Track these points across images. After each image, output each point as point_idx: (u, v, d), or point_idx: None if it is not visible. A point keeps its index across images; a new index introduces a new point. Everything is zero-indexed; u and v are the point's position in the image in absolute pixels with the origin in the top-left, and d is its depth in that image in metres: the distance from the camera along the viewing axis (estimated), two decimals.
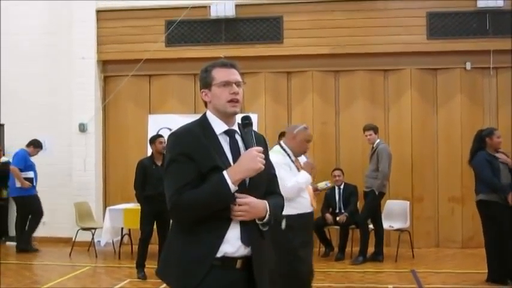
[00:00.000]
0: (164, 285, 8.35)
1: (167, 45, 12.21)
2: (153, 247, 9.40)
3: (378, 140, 10.41)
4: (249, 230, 3.21)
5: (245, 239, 3.20)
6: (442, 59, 11.72)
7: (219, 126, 3.29)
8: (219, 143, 3.25)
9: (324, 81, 12.01)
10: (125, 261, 10.48)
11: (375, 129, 10.44)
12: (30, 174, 11.59)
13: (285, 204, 3.53)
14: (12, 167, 11.57)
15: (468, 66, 11.70)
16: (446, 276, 9.21)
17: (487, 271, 8.49)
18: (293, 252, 5.94)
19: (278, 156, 6.03)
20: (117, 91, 12.35)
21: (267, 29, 11.93)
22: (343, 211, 10.78)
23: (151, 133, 11.22)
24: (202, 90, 3.36)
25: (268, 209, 3.24)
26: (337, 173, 11.03)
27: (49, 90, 12.67)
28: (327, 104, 11.98)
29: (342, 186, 10.95)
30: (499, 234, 8.30)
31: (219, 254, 3.15)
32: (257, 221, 3.23)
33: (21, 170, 11.50)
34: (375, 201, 10.26)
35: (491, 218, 8.38)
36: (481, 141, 8.57)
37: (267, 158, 3.32)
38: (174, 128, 11.79)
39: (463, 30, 11.58)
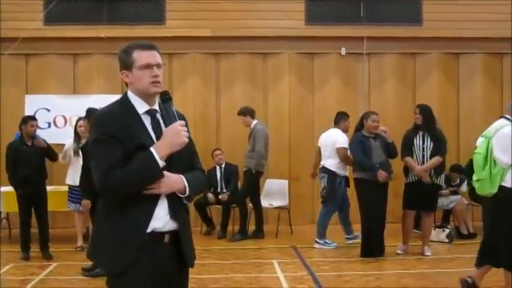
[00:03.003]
0: (52, 267, 8.35)
1: (45, 24, 11.93)
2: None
3: (256, 122, 10.72)
4: (176, 205, 3.32)
5: (172, 214, 3.29)
6: (319, 44, 12.20)
7: (141, 106, 3.33)
8: (143, 122, 3.31)
9: (205, 63, 12.19)
10: (5, 245, 10.18)
11: (245, 113, 10.75)
12: None
13: None
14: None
15: (343, 51, 12.26)
16: (325, 251, 9.68)
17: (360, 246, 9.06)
18: None
19: None
20: None
21: (149, 10, 11.95)
22: (224, 190, 11.05)
23: (28, 114, 10.99)
24: (122, 72, 3.35)
25: (186, 183, 3.31)
26: (217, 152, 11.26)
27: None
28: (208, 86, 12.16)
29: (223, 166, 11.19)
30: (371, 210, 8.85)
31: (148, 229, 3.22)
32: (179, 195, 3.31)
33: None
34: (252, 180, 10.56)
35: (363, 194, 8.97)
36: (361, 123, 9.16)
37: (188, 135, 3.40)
38: (53, 108, 11.52)
39: (339, 17, 12.11)
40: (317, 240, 9.94)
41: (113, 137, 3.17)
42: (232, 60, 12.23)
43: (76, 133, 9.74)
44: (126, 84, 3.38)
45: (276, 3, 12.01)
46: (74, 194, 9.77)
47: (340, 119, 10.21)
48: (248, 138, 10.72)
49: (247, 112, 10.75)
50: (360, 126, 9.20)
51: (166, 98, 3.37)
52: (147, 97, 3.33)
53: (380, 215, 8.92)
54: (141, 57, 3.30)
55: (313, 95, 12.31)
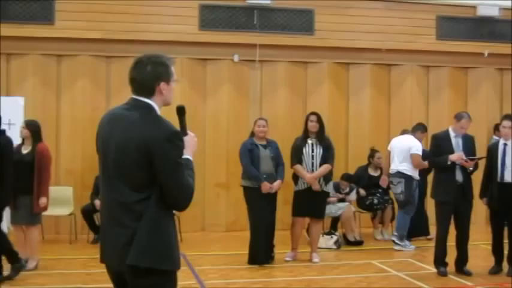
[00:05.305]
0: None
1: None
2: None
3: None
4: None
5: None
6: (212, 50, 12.15)
7: None
8: None
9: (96, 66, 11.87)
10: None
11: None
12: None
13: None
14: None
15: (236, 58, 12.27)
16: (214, 258, 9.64)
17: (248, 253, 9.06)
18: None
19: None
20: None
21: (38, 9, 11.45)
22: None
23: None
24: (161, 83, 3.54)
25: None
26: None
27: None
28: (98, 89, 11.84)
29: None
30: (258, 218, 8.89)
31: None
32: None
33: None
34: None
35: (251, 203, 9.04)
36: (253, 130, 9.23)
37: None
38: None
39: (233, 24, 12.11)
40: (397, 242, 10.22)
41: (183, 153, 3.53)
42: (123, 63, 11.90)
43: None
44: (152, 93, 3.54)
45: (169, 7, 11.87)
46: None
47: (417, 129, 10.65)
48: None
49: None
50: (252, 133, 9.24)
51: (184, 111, 3.65)
52: (163, 106, 3.60)
53: (268, 222, 8.96)
54: (174, 71, 3.64)
55: (205, 101, 12.25)
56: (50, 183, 8.91)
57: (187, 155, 3.54)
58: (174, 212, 3.61)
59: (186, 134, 3.62)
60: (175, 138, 3.41)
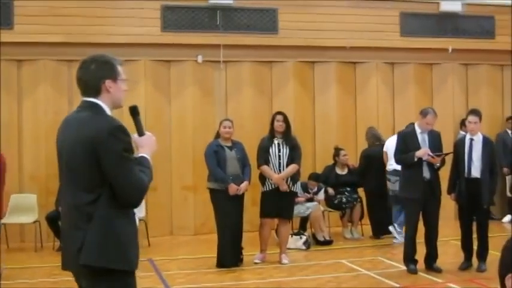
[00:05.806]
0: None
1: None
2: None
3: None
4: None
5: None
6: (175, 52, 12.01)
7: None
8: None
9: (57, 70, 11.63)
10: None
11: None
12: None
13: None
14: None
15: (200, 59, 12.13)
16: (182, 262, 9.53)
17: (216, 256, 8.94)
18: None
19: None
20: None
21: None
22: None
23: None
24: (107, 80, 3.53)
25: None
26: None
27: None
28: (60, 94, 11.60)
29: None
30: (226, 221, 8.80)
31: None
32: None
33: None
34: None
35: (218, 205, 8.95)
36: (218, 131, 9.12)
37: None
38: None
39: (196, 25, 11.98)
40: (398, 229, 10.44)
41: (131, 148, 3.49)
42: None
43: None
44: (98, 93, 3.55)
45: (131, 9, 11.68)
46: None
47: None
48: None
49: None
50: (218, 134, 9.14)
51: (138, 111, 3.66)
52: (114, 108, 3.60)
53: (235, 224, 8.87)
54: (122, 71, 3.61)
55: (170, 102, 12.09)
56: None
57: (145, 154, 3.59)
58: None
59: (143, 133, 3.66)
60: (119, 132, 3.40)
